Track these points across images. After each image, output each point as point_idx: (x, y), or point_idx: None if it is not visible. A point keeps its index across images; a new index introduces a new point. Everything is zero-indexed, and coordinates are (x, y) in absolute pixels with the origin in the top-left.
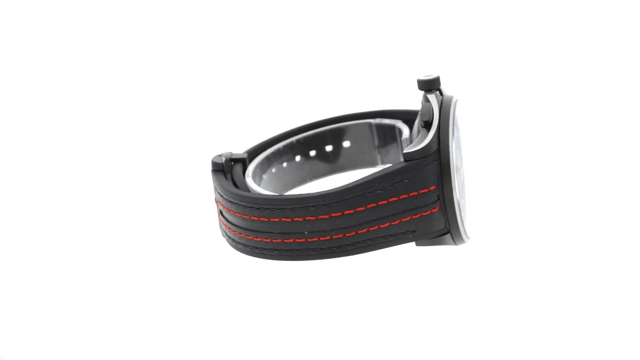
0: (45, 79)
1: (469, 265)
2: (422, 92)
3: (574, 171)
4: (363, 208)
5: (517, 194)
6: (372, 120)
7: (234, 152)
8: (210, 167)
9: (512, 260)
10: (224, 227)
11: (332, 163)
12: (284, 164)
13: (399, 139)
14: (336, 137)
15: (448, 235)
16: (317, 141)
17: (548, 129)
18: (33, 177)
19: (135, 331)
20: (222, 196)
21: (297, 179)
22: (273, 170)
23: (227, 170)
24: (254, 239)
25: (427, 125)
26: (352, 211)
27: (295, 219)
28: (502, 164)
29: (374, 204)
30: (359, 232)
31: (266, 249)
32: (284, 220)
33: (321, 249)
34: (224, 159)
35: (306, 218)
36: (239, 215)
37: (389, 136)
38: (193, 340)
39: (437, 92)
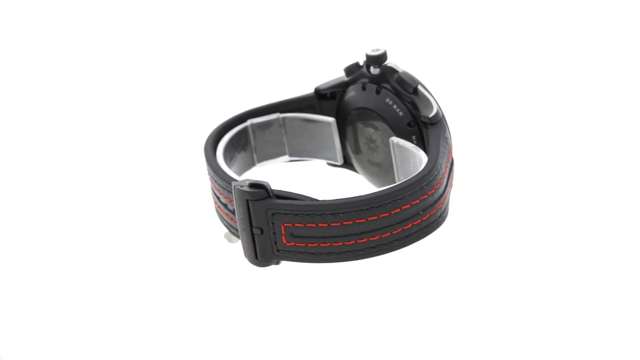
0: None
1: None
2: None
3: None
4: (445, 174)
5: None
6: (247, 124)
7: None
8: (251, 198)
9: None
10: (308, 246)
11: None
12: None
13: (282, 130)
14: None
15: None
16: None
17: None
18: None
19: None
20: (313, 215)
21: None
22: None
23: (272, 195)
24: (370, 239)
25: (416, 91)
26: (442, 179)
27: (413, 203)
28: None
29: (447, 168)
30: (445, 196)
31: (384, 244)
32: (404, 208)
33: (432, 222)
34: (264, 184)
35: (421, 198)
36: (349, 223)
37: (266, 131)
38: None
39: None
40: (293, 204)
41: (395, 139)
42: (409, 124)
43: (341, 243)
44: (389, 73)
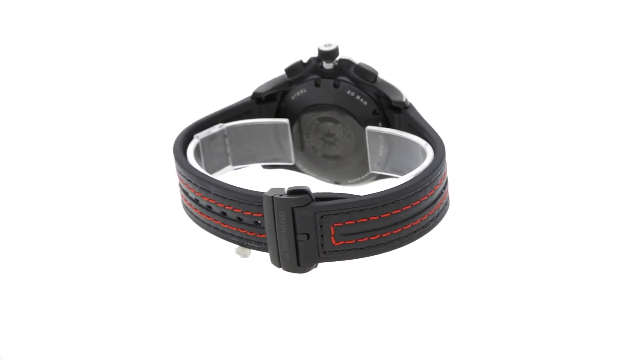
0: None
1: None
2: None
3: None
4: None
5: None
6: (197, 141)
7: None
8: (297, 205)
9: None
10: (358, 242)
11: None
12: None
13: (226, 141)
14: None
15: None
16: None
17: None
18: None
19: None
20: (365, 210)
21: None
22: None
23: (314, 198)
24: (413, 224)
25: (376, 79)
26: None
27: (440, 182)
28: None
29: None
30: None
31: (423, 226)
32: (436, 188)
33: (448, 199)
34: (306, 189)
35: (443, 177)
36: (397, 211)
37: (211, 143)
38: None
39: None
40: (345, 203)
41: (371, 128)
42: (374, 112)
43: (389, 233)
44: (346, 66)
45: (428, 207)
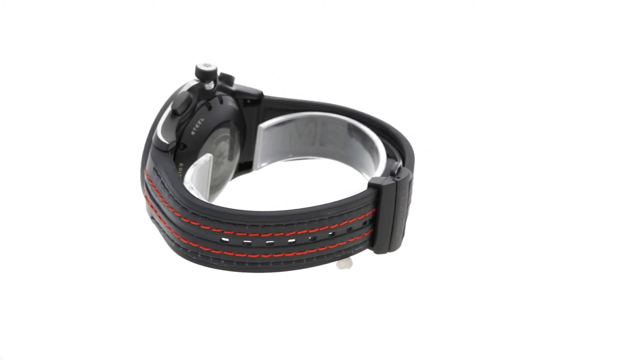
0: None
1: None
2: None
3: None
4: None
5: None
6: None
7: None
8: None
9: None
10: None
11: None
12: None
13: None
14: None
15: None
16: None
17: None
18: None
19: None
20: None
21: None
22: None
23: None
24: None
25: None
26: None
27: None
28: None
29: None
30: None
31: None
32: None
33: None
34: (400, 164)
35: None
36: None
37: None
38: None
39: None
40: (413, 162)
41: (265, 124)
42: (238, 112)
43: None
44: (220, 79)
45: None
